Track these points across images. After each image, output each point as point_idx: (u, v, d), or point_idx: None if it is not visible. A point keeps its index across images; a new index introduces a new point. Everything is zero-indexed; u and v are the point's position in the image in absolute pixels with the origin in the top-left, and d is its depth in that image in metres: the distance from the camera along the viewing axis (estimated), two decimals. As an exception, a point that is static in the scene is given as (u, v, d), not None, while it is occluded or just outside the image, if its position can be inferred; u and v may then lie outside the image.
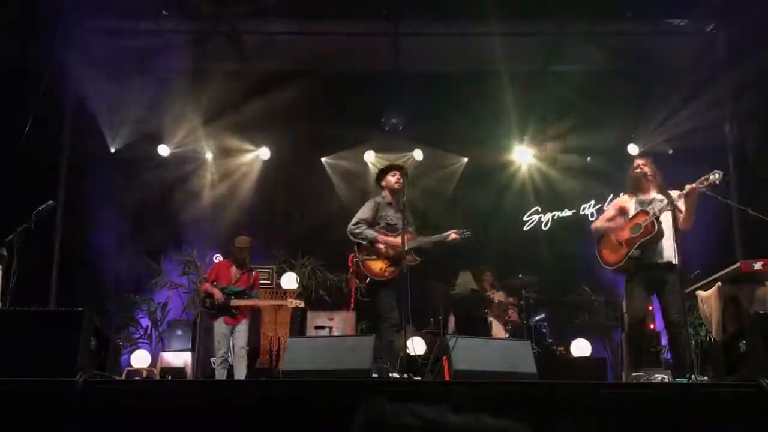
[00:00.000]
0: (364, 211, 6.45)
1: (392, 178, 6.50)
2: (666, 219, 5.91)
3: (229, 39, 10.22)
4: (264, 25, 10.02)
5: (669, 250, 5.88)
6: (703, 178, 5.69)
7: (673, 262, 5.87)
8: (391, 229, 6.37)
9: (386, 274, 6.24)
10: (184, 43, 9.92)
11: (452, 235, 6.43)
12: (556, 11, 9.33)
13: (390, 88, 10.38)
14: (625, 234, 6.06)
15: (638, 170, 6.25)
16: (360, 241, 6.30)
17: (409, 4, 9.24)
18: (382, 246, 6.29)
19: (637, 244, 5.93)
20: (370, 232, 6.29)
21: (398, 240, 6.14)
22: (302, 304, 7.98)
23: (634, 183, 6.30)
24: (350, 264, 6.46)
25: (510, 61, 10.19)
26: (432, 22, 9.77)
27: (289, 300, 7.98)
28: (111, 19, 9.45)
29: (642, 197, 6.17)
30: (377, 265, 6.26)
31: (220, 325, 7.64)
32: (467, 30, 9.88)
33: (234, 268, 7.88)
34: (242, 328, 7.70)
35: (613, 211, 6.32)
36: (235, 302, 7.61)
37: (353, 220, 6.41)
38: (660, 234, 5.87)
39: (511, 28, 9.80)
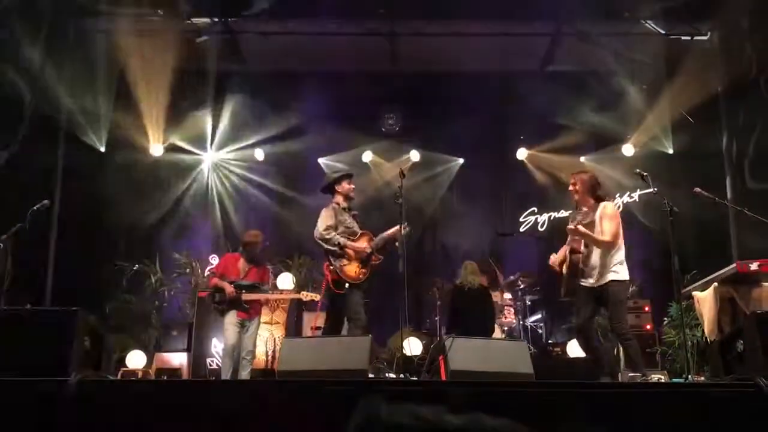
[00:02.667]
0: (328, 218, 6.59)
1: (349, 186, 6.78)
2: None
3: (224, 39, 10.20)
4: (260, 25, 9.99)
5: (597, 269, 5.93)
6: (578, 221, 5.97)
7: (598, 282, 5.91)
8: (349, 232, 6.59)
9: (361, 276, 6.44)
10: (179, 42, 9.88)
11: (396, 228, 6.44)
12: (552, 12, 9.34)
13: (387, 89, 10.38)
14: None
15: (570, 190, 6.32)
16: (331, 248, 6.41)
17: (406, 4, 9.23)
18: (350, 251, 6.47)
19: (568, 271, 6.08)
20: (339, 238, 6.47)
21: (361, 244, 6.53)
22: (318, 297, 7.89)
23: (572, 201, 6.44)
24: (327, 272, 6.50)
25: (506, 61, 10.20)
26: (429, 22, 9.76)
27: (304, 293, 7.87)
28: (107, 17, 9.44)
29: (576, 215, 6.27)
30: (352, 269, 6.45)
31: (231, 317, 7.40)
32: (464, 30, 9.88)
33: (242, 262, 7.66)
34: (254, 326, 7.51)
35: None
36: (246, 296, 7.42)
37: (321, 226, 6.50)
38: (572, 263, 6.00)
39: (508, 29, 9.81)
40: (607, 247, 5.89)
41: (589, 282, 5.97)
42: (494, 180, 11.11)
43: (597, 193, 6.16)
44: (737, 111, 9.56)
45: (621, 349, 7.06)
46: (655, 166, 9.80)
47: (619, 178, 10.56)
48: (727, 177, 9.78)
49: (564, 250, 6.17)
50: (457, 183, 11.15)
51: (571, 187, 6.28)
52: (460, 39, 10.05)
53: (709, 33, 9.99)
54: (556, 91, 10.18)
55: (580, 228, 5.87)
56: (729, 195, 9.54)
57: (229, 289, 7.39)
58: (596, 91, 10.15)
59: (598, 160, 10.89)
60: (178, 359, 8.90)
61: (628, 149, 10.62)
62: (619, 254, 5.95)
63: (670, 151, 10.49)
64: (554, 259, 6.30)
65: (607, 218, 5.93)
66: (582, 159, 10.91)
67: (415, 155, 10.91)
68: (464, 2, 9.04)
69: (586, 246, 6.02)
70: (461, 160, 11.15)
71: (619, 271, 5.91)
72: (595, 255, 5.96)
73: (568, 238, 6.16)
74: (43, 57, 8.79)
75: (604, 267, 5.89)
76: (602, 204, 6.06)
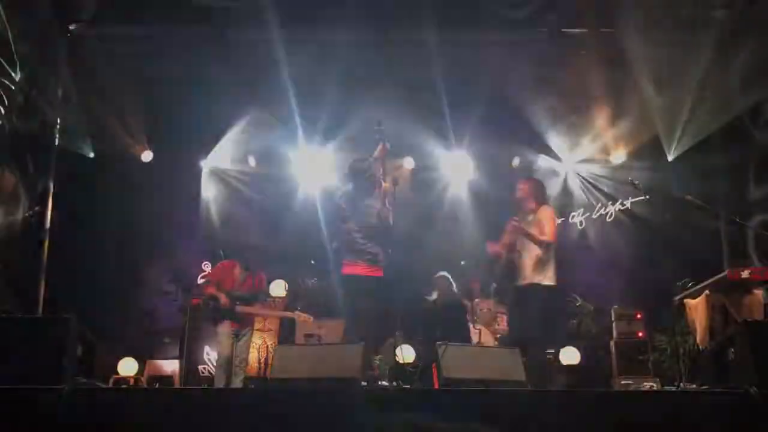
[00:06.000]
0: None
1: None
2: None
3: (216, 45, 10.18)
4: (252, 32, 9.98)
5: (529, 270, 6.14)
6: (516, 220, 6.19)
7: (528, 282, 6.12)
8: None
9: None
10: (170, 47, 9.86)
11: None
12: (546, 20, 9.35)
13: (380, 94, 10.37)
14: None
15: (517, 190, 6.63)
16: None
17: (399, 11, 9.23)
18: None
19: (503, 271, 6.38)
20: None
21: None
22: (311, 319, 7.88)
23: (516, 202, 6.64)
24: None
25: (499, 67, 10.20)
26: (421, 29, 9.77)
27: (298, 313, 7.86)
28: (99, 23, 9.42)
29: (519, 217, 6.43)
30: None
31: (225, 327, 7.39)
32: (458, 37, 9.89)
33: (238, 270, 7.66)
34: (247, 335, 7.52)
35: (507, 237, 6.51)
36: (240, 308, 7.43)
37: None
38: (506, 261, 6.27)
39: (500, 36, 9.82)
40: (547, 248, 6.13)
41: (520, 282, 6.20)
42: (489, 187, 11.10)
43: (540, 198, 6.50)
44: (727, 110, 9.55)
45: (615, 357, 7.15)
46: (648, 172, 9.86)
47: (612, 186, 10.61)
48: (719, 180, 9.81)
49: (501, 248, 6.36)
50: (452, 190, 11.16)
51: (518, 191, 6.59)
52: (453, 46, 10.06)
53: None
54: (549, 97, 10.19)
55: (523, 226, 6.17)
56: (721, 203, 9.56)
57: (223, 299, 7.38)
58: (589, 98, 10.14)
59: (591, 168, 10.94)
60: (170, 366, 8.87)
61: (619, 156, 10.64)
62: (552, 259, 6.18)
63: (670, 158, 10.46)
64: (494, 248, 6.47)
65: (547, 220, 6.22)
66: (576, 165, 10.95)
67: (409, 162, 10.91)
68: (457, 10, 9.05)
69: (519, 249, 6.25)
70: (456, 167, 11.16)
71: (551, 274, 6.15)
72: (530, 256, 6.17)
73: (505, 237, 6.36)
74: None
75: (540, 267, 6.12)
76: (543, 207, 6.38)
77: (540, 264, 6.13)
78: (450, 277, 8.94)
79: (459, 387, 4.52)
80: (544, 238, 6.13)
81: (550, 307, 6.22)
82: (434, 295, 8.88)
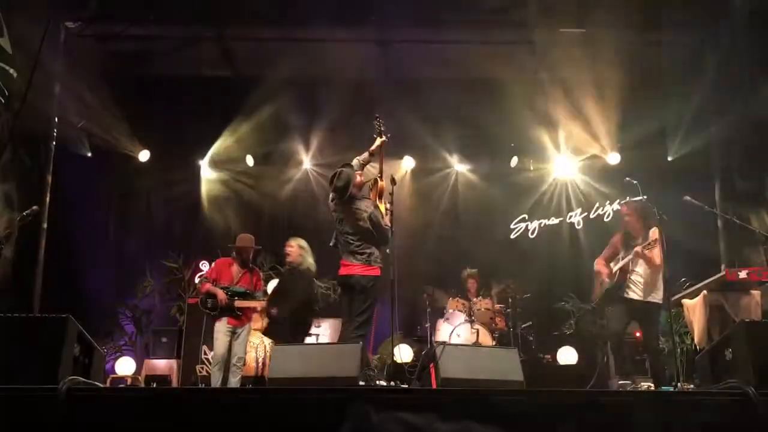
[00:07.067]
0: None
1: None
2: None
3: (216, 45, 10.19)
4: (252, 32, 9.98)
5: (642, 286, 6.65)
6: (646, 244, 6.51)
7: (644, 298, 6.64)
8: None
9: None
10: (171, 48, 9.86)
11: None
12: (546, 19, 9.36)
13: (379, 95, 10.38)
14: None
15: (625, 219, 7.05)
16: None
17: (398, 11, 9.23)
18: None
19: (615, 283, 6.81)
20: None
21: None
22: None
23: (624, 227, 7.06)
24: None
25: (499, 68, 10.21)
26: (420, 29, 9.78)
27: None
28: (97, 22, 9.40)
29: (629, 241, 6.88)
30: None
31: (222, 324, 7.43)
32: (456, 38, 9.90)
33: (235, 267, 7.68)
34: (245, 333, 7.54)
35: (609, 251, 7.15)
36: (238, 303, 7.43)
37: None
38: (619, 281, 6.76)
39: (500, 37, 9.83)
40: (658, 269, 6.52)
41: (632, 295, 6.65)
42: (487, 187, 11.12)
43: (647, 218, 6.78)
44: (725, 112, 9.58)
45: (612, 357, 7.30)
46: (646, 172, 9.85)
47: (609, 186, 10.62)
48: (716, 181, 9.83)
49: (610, 269, 6.93)
50: (451, 190, 11.17)
51: (625, 218, 7.00)
52: (451, 45, 10.07)
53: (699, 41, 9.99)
54: (547, 98, 10.19)
55: (646, 252, 6.52)
56: (718, 203, 9.56)
57: (221, 295, 7.39)
58: (588, 100, 10.15)
59: (589, 169, 10.94)
60: (167, 366, 8.87)
61: (614, 157, 10.65)
62: (661, 277, 6.57)
63: (669, 158, 10.47)
64: (605, 269, 7.02)
65: (659, 243, 6.48)
66: (573, 165, 10.95)
67: (407, 162, 10.92)
68: (453, 10, 9.06)
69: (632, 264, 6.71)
70: (454, 167, 11.17)
71: (661, 292, 6.60)
72: (643, 273, 6.63)
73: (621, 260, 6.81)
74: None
75: (652, 286, 6.60)
76: (653, 229, 6.63)
77: (652, 284, 6.59)
78: (305, 245, 7.97)
79: (457, 387, 4.52)
80: (656, 261, 6.49)
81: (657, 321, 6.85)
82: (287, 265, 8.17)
